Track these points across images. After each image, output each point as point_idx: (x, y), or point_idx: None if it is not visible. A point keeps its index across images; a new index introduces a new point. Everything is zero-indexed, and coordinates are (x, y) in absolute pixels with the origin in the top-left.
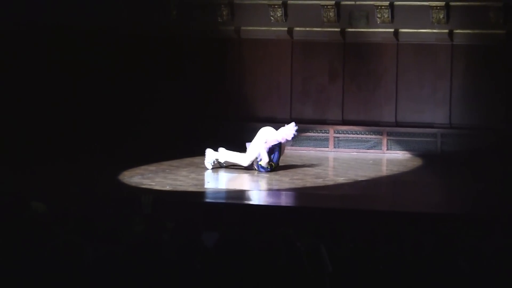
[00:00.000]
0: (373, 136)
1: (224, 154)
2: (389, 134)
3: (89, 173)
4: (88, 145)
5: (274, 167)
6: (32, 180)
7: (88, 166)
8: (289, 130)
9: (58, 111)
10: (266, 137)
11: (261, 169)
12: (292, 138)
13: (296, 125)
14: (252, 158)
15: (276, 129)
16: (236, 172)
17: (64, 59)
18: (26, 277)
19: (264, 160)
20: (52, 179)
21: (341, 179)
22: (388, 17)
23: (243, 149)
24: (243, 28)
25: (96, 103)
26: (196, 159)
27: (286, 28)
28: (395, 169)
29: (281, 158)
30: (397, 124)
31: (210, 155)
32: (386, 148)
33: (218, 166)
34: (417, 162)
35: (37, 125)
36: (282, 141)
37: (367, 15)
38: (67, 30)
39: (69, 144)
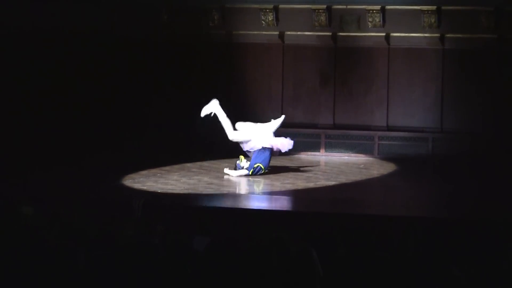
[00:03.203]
0: (364, 141)
1: (223, 116)
2: (380, 138)
3: (81, 177)
4: (81, 149)
5: (264, 171)
6: (23, 184)
7: (81, 170)
8: (286, 144)
9: (52, 114)
10: (267, 135)
11: (249, 170)
12: (285, 152)
13: (293, 143)
14: (239, 139)
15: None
16: (227, 176)
17: (57, 62)
18: (19, 281)
19: (254, 146)
20: (43, 183)
21: (332, 183)
22: (380, 21)
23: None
24: (234, 32)
25: (87, 107)
26: (188, 164)
27: (277, 32)
28: (386, 173)
29: (272, 162)
30: (389, 128)
31: (213, 106)
32: (377, 153)
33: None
34: (408, 166)
35: (33, 128)
36: (274, 148)
37: (358, 19)
38: (60, 33)
39: (64, 148)
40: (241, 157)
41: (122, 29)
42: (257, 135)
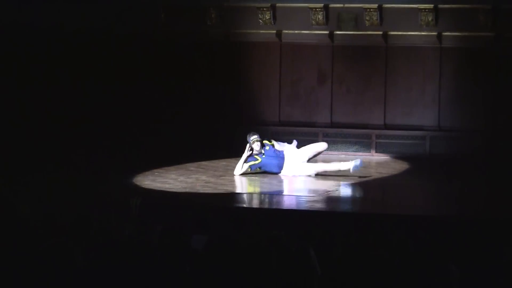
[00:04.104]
0: (362, 139)
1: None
2: (378, 136)
3: (78, 177)
4: (80, 148)
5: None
6: (22, 183)
7: (78, 169)
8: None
9: (51, 113)
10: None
11: (252, 169)
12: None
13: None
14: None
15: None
16: (225, 175)
17: (56, 61)
18: (18, 281)
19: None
20: (41, 182)
21: (330, 182)
22: (377, 19)
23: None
24: (232, 31)
25: (85, 106)
26: (187, 163)
27: (274, 31)
28: (384, 172)
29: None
30: (386, 126)
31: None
32: (375, 151)
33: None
34: (406, 164)
35: (32, 127)
36: (286, 174)
37: (355, 17)
38: (58, 32)
39: (62, 147)
40: (273, 141)
41: (120, 28)
42: (298, 158)
